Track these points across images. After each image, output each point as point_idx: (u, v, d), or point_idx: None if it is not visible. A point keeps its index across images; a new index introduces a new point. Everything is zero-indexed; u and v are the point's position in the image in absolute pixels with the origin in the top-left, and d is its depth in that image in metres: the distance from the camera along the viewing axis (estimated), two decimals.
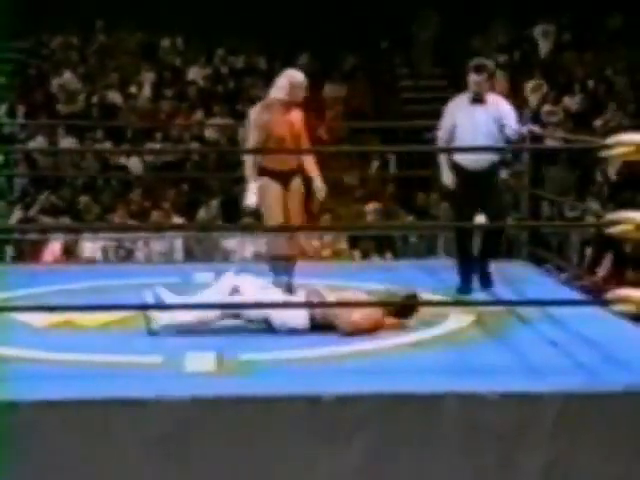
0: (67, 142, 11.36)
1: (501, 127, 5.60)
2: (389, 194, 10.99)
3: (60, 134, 11.60)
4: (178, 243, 9.44)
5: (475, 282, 5.72)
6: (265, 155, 5.62)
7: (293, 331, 4.78)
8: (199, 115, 12.19)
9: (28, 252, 9.26)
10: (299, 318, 4.80)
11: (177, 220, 10.06)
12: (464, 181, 5.69)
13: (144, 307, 4.86)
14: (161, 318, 4.81)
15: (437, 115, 6.01)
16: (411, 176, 10.94)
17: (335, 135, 11.72)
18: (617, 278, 7.12)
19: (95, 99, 12.38)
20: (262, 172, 5.64)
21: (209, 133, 11.76)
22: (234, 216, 10.02)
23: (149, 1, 12.81)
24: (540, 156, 9.18)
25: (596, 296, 6.11)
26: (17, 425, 3.65)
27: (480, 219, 5.86)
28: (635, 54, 12.83)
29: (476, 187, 5.62)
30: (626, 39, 13.06)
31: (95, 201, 10.50)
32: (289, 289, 5.32)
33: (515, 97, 11.58)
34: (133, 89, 12.69)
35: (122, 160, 11.25)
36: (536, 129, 7.51)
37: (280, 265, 5.60)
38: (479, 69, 5.60)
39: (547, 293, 5.76)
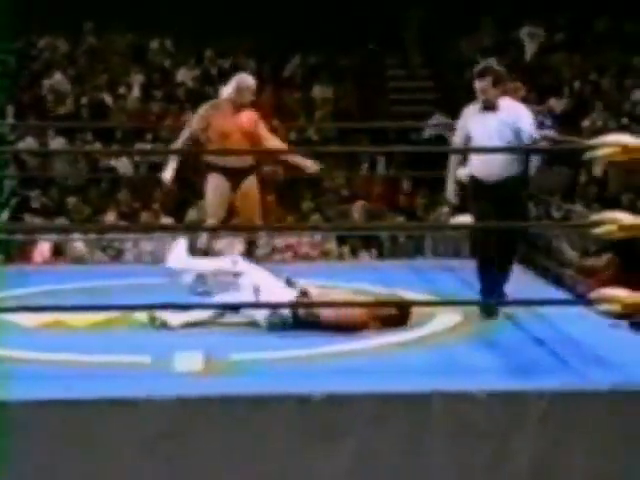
0: (57, 143, 11.33)
1: (517, 134, 5.02)
2: (377, 194, 10.99)
3: (50, 135, 11.58)
4: (167, 244, 9.42)
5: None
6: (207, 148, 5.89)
7: (279, 324, 4.81)
8: (188, 116, 12.16)
9: (17, 253, 9.24)
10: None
11: (166, 221, 10.05)
12: (478, 195, 5.11)
13: (133, 307, 4.87)
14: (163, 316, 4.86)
15: (425, 116, 6.01)
16: (400, 177, 10.96)
17: (324, 135, 11.73)
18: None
19: (85, 100, 12.35)
20: (210, 168, 5.87)
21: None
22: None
23: (138, 3, 12.78)
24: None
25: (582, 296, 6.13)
26: (7, 425, 3.64)
27: (464, 219, 5.82)
28: (622, 56, 12.87)
29: (491, 202, 5.02)
30: (613, 41, 13.10)
31: (85, 202, 10.48)
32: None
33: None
34: (123, 90, 12.66)
35: (112, 161, 11.23)
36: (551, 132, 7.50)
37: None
38: (481, 74, 5.07)
39: (534, 293, 5.77)
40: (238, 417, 3.74)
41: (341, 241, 9.70)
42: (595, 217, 4.34)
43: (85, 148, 11.07)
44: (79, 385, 3.91)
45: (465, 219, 6.05)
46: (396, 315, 4.90)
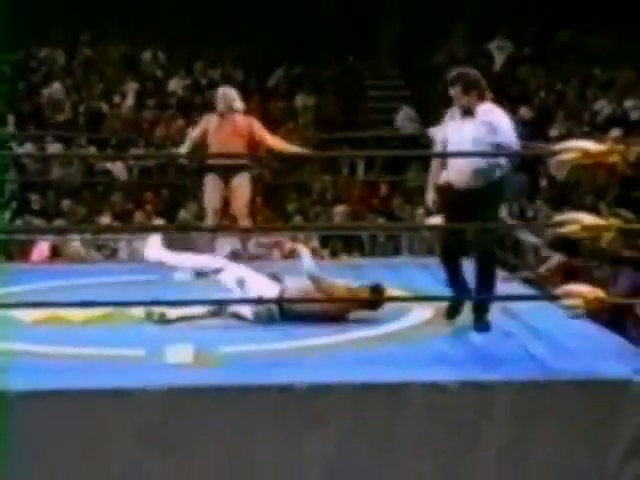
0: (55, 148, 11.28)
1: (495, 138, 4.66)
2: (357, 197, 10.99)
3: (48, 141, 11.52)
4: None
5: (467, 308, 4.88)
6: (209, 151, 6.46)
7: (266, 318, 4.80)
8: (179, 123, 12.14)
9: (17, 252, 9.18)
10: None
11: (158, 221, 10.02)
12: (452, 201, 4.78)
13: (127, 304, 4.85)
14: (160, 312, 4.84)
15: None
16: (378, 180, 10.97)
17: (307, 142, 11.71)
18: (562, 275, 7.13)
19: (82, 108, 12.30)
20: (205, 168, 6.47)
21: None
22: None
23: (132, 16, 12.73)
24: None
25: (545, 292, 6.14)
26: (6, 415, 3.61)
27: (435, 220, 5.81)
28: (583, 68, 12.93)
29: (464, 209, 4.65)
30: (575, 54, 13.16)
31: (81, 204, 10.43)
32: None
33: None
34: (117, 99, 12.61)
35: (107, 165, 11.19)
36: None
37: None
38: (452, 82, 4.77)
39: (503, 289, 5.78)
40: (226, 406, 3.73)
41: (323, 243, 9.70)
42: (558, 217, 4.35)
43: (80, 153, 11.03)
44: (76, 376, 3.89)
45: (438, 220, 6.05)
46: (371, 300, 4.91)
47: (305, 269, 4.94)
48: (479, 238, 4.71)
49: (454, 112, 4.85)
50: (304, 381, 3.78)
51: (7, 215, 10.23)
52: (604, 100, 12.05)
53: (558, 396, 3.85)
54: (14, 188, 10.80)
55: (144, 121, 12.17)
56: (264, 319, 4.82)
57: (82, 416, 3.68)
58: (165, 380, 3.81)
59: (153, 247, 5.49)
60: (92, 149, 11.27)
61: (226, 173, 6.36)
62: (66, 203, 10.39)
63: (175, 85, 12.95)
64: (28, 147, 11.36)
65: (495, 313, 4.92)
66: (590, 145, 4.24)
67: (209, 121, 6.54)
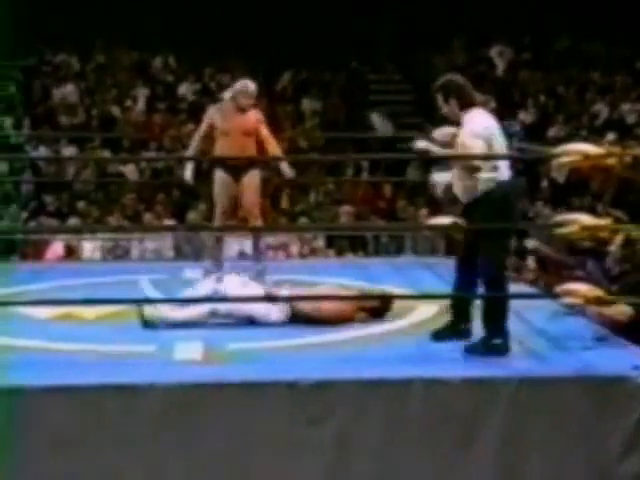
0: (69, 151, 11.30)
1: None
2: (361, 198, 10.98)
3: (62, 144, 11.54)
4: (169, 243, 9.41)
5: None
6: (216, 145, 5.93)
7: (272, 323, 4.76)
8: (189, 127, 12.14)
9: (32, 251, 9.20)
10: (280, 312, 4.77)
11: (168, 222, 10.02)
12: (463, 211, 4.41)
13: (138, 301, 4.83)
14: (153, 313, 4.77)
15: (404, 126, 5.98)
16: (381, 182, 10.96)
17: (314, 144, 11.71)
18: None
19: (94, 112, 12.32)
20: (214, 165, 6.02)
21: None
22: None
23: (144, 23, 12.74)
24: None
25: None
26: (20, 409, 3.61)
27: (443, 220, 5.77)
28: (581, 73, 12.91)
29: (469, 222, 4.33)
30: (573, 59, 13.14)
31: (94, 205, 10.44)
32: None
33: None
34: (129, 103, 12.62)
35: (120, 167, 11.20)
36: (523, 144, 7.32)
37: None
38: (434, 91, 4.40)
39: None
40: (233, 401, 3.72)
41: (329, 243, 9.69)
42: (558, 218, 4.33)
43: (94, 156, 11.05)
44: (87, 372, 3.88)
45: (441, 220, 6.02)
46: (378, 307, 4.88)
47: None
48: (487, 257, 4.20)
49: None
50: (309, 378, 3.77)
51: (23, 216, 10.25)
52: (602, 104, 12.03)
53: (557, 392, 3.83)
54: (30, 189, 10.81)
55: (155, 125, 12.17)
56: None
57: (93, 411, 3.67)
58: (174, 376, 3.80)
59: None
60: (106, 153, 11.28)
61: (237, 171, 5.95)
62: (80, 204, 10.40)
63: (185, 90, 12.96)
64: (43, 150, 11.38)
65: None
66: (589, 148, 4.22)
67: (215, 115, 5.98)
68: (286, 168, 6.03)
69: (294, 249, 9.34)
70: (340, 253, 9.57)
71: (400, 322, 4.84)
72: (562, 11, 12.99)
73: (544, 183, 10.14)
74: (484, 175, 4.19)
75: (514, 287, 5.76)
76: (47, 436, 3.64)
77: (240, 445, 3.71)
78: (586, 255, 6.10)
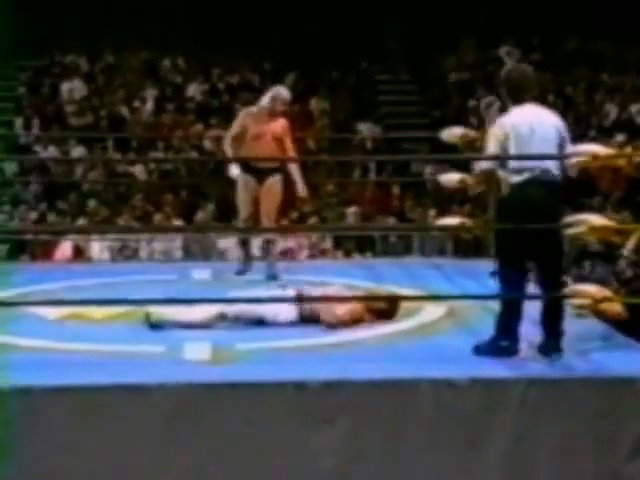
0: (77, 152, 11.33)
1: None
2: (368, 198, 10.98)
3: (71, 144, 11.57)
4: (178, 243, 9.42)
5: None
6: (245, 152, 6.10)
7: (283, 324, 4.76)
8: (198, 127, 12.17)
9: (42, 251, 9.23)
10: (289, 313, 4.77)
11: (177, 222, 10.03)
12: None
13: (147, 302, 4.83)
14: (160, 314, 4.77)
15: (412, 127, 5.98)
16: (390, 182, 10.96)
17: (322, 145, 11.72)
18: None
19: (103, 113, 12.34)
20: (240, 167, 6.12)
21: (207, 143, 11.76)
22: (228, 218, 10.01)
23: (152, 24, 12.77)
24: None
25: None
26: (30, 409, 3.62)
27: (451, 221, 5.76)
28: (591, 73, 12.88)
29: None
30: (582, 60, 13.12)
31: (103, 205, 10.46)
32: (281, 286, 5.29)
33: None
34: (137, 104, 12.65)
35: (129, 168, 11.22)
36: None
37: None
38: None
39: None
40: (242, 402, 3.72)
41: (337, 244, 9.69)
42: (568, 219, 4.32)
43: (103, 156, 11.07)
44: (96, 372, 3.89)
45: (449, 221, 6.03)
46: (386, 308, 4.87)
47: None
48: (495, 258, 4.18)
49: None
50: (317, 378, 3.77)
51: (33, 216, 10.27)
52: (611, 104, 12.01)
53: (566, 393, 3.82)
54: (38, 190, 10.84)
55: (163, 125, 12.19)
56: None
57: (101, 411, 3.67)
58: (183, 376, 3.80)
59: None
60: (117, 154, 11.30)
61: (261, 174, 6.07)
62: (89, 204, 10.42)
63: (193, 90, 12.98)
64: (52, 150, 11.41)
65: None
66: (599, 148, 4.22)
67: (248, 120, 6.15)
68: (300, 185, 6.11)
69: (303, 251, 9.35)
70: (348, 254, 9.57)
71: (408, 323, 4.84)
72: (571, 11, 12.97)
73: None
74: (508, 177, 4.11)
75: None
76: (56, 436, 3.64)
77: (249, 445, 3.71)
78: (597, 258, 6.10)
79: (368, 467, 3.75)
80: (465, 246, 8.68)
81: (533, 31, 13.31)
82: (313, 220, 10.11)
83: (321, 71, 13.18)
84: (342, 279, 5.72)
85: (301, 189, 6.10)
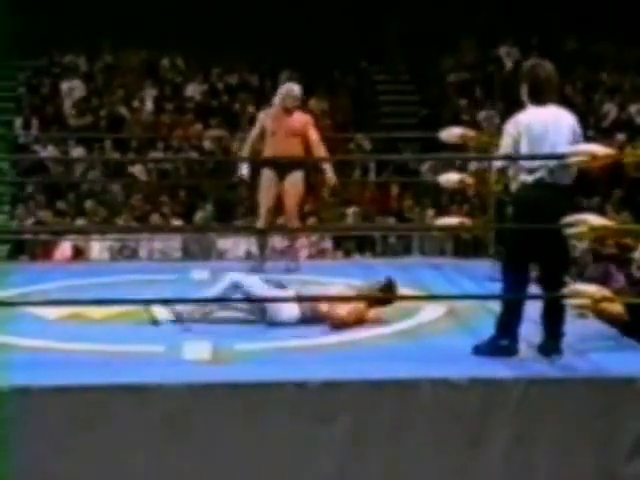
0: (77, 152, 11.33)
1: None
2: (368, 198, 10.98)
3: (70, 145, 11.57)
4: (177, 243, 9.42)
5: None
6: (264, 148, 6.24)
7: (284, 323, 4.76)
8: (197, 127, 12.16)
9: (41, 251, 9.22)
10: (291, 311, 4.78)
11: (176, 222, 10.03)
12: None
13: (147, 301, 4.83)
14: (162, 311, 4.78)
15: (412, 127, 5.99)
16: (389, 182, 10.95)
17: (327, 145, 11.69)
18: None
19: (103, 113, 12.34)
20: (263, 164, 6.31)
21: (206, 143, 11.76)
22: (227, 218, 10.02)
23: (151, 23, 12.76)
24: None
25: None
26: (29, 409, 3.62)
27: (451, 221, 5.76)
28: (589, 73, 12.88)
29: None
30: (581, 60, 13.13)
31: (102, 205, 10.46)
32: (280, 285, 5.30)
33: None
34: (137, 104, 12.65)
35: (129, 168, 11.22)
36: None
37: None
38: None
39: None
40: (242, 401, 3.73)
41: (337, 244, 9.69)
42: (567, 219, 4.32)
43: (102, 156, 11.07)
44: (96, 372, 3.89)
45: (448, 221, 6.03)
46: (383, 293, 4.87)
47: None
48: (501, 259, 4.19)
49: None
50: (317, 378, 3.77)
51: (33, 216, 10.26)
52: (610, 104, 12.01)
53: (565, 393, 3.82)
54: (38, 190, 10.84)
55: (163, 125, 12.19)
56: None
57: (101, 411, 3.67)
58: (183, 376, 3.81)
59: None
60: (115, 153, 11.30)
61: (282, 170, 6.20)
62: (88, 204, 10.42)
63: (193, 90, 12.97)
64: (51, 150, 11.41)
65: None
66: (597, 148, 4.22)
67: (266, 119, 6.32)
68: (330, 173, 6.25)
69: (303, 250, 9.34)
70: (348, 254, 9.57)
71: (408, 323, 4.84)
72: (571, 11, 12.97)
73: None
74: (519, 176, 4.10)
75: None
76: (56, 436, 3.65)
77: (249, 445, 3.71)
78: (609, 261, 6.10)
79: (368, 467, 3.75)
80: (465, 246, 8.69)
81: (533, 31, 13.31)
82: (313, 220, 10.11)
83: (321, 71, 13.18)
84: (342, 279, 5.72)
85: (330, 177, 6.23)
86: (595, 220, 4.18)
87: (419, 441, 3.77)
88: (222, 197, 10.55)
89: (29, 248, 9.30)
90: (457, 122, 8.93)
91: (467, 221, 6.11)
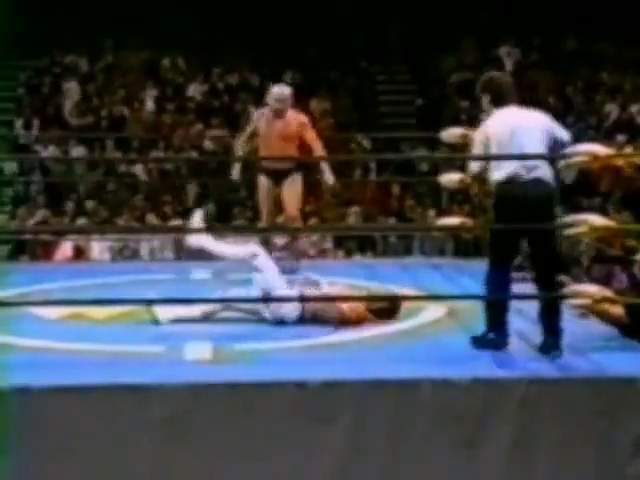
0: (77, 152, 11.33)
1: None
2: (369, 198, 10.98)
3: (71, 144, 11.57)
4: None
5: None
6: (258, 154, 6.13)
7: (284, 321, 4.76)
8: (198, 127, 12.16)
9: (42, 252, 9.22)
10: (292, 309, 4.78)
11: (176, 222, 10.03)
12: None
13: (148, 301, 4.83)
14: (164, 311, 4.78)
15: (413, 127, 5.98)
16: (390, 182, 10.95)
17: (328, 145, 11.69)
18: None
19: (104, 113, 12.34)
20: (258, 169, 6.17)
21: (207, 143, 11.76)
22: (228, 218, 10.02)
23: (152, 23, 12.76)
24: None
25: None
26: (30, 409, 3.62)
27: (452, 221, 5.76)
28: (590, 73, 12.87)
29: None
30: (582, 59, 13.12)
31: (103, 205, 10.46)
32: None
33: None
34: (138, 104, 12.65)
35: (130, 168, 11.22)
36: None
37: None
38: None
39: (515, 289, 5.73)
40: (243, 401, 3.72)
41: (338, 244, 9.69)
42: (568, 219, 4.32)
43: (103, 156, 11.08)
44: (96, 372, 3.89)
45: (449, 221, 6.03)
46: (388, 308, 4.87)
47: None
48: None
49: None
50: (318, 378, 3.77)
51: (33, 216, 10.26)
52: (611, 104, 12.00)
53: (566, 393, 3.82)
54: (39, 190, 10.84)
55: (164, 125, 12.19)
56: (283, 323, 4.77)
57: (102, 411, 3.67)
58: (184, 376, 3.81)
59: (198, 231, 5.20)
60: (117, 153, 11.30)
61: (277, 176, 6.09)
62: (89, 204, 10.42)
63: (194, 90, 12.98)
64: (52, 150, 11.41)
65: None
66: (598, 149, 4.22)
67: (260, 120, 6.15)
68: (328, 174, 6.09)
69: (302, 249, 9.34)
70: (349, 254, 9.57)
71: (409, 323, 4.84)
72: (571, 11, 12.96)
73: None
74: (491, 176, 4.19)
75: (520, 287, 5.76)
76: (56, 436, 3.64)
77: (249, 445, 3.71)
78: (613, 262, 6.10)
79: (368, 467, 3.75)
80: (465, 246, 8.69)
81: (533, 31, 13.30)
82: (314, 220, 10.11)
83: (321, 71, 13.18)
84: (343, 279, 5.72)
85: (327, 179, 6.08)
86: (596, 220, 4.18)
87: (419, 441, 3.76)
88: (222, 197, 10.55)
89: (30, 248, 9.30)
90: (457, 122, 8.91)
91: (468, 221, 6.11)
